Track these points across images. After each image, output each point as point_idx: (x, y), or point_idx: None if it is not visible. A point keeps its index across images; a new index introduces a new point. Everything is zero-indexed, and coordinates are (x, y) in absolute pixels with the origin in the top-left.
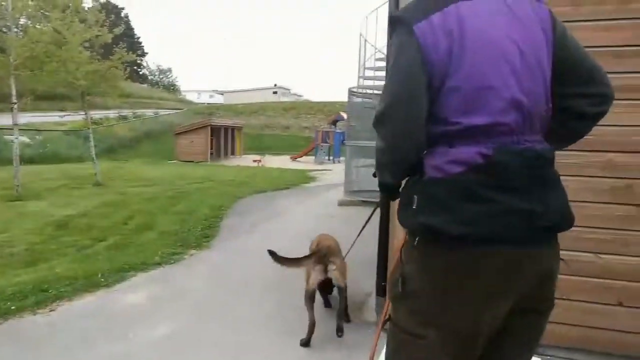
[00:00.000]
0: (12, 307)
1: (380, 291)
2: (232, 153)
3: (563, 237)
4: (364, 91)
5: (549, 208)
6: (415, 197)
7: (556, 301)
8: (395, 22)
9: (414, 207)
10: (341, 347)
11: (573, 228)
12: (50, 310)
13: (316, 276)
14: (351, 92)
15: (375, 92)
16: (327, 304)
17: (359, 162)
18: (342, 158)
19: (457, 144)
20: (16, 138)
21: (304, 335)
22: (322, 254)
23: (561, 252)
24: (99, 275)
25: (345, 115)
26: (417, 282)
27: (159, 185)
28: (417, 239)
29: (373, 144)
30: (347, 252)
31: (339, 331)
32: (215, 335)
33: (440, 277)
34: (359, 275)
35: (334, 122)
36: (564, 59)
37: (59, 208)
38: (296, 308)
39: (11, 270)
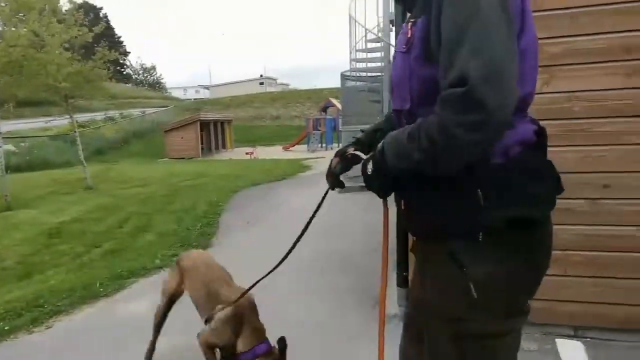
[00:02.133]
0: (6, 328)
1: (401, 282)
2: (223, 147)
3: (608, 213)
4: (357, 74)
5: None
6: (479, 190)
7: (598, 280)
8: None
9: (481, 203)
10: (370, 343)
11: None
12: (47, 328)
13: None
14: (344, 77)
15: (369, 74)
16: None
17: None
18: (334, 144)
19: (516, 120)
20: (0, 146)
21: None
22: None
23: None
24: (97, 285)
25: (334, 101)
26: (494, 279)
27: (152, 185)
28: (481, 235)
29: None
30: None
31: None
32: None
33: (520, 262)
34: (371, 265)
35: (324, 109)
36: None
37: (51, 215)
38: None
39: (2, 287)
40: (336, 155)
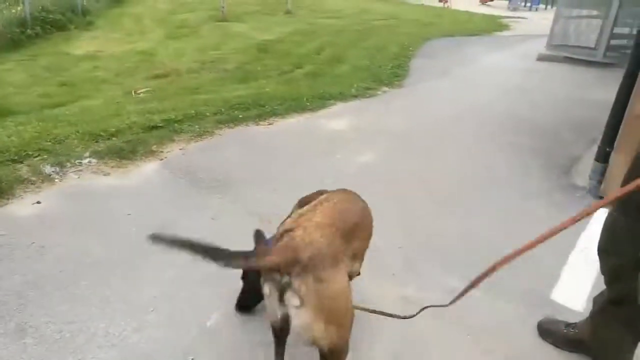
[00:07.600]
0: (240, 116)
1: (601, 157)
2: None
3: None
4: None
5: None
6: None
7: None
8: None
9: None
10: (549, 205)
11: None
12: (269, 124)
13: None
14: None
15: None
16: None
17: (572, 12)
18: (541, 6)
19: None
20: None
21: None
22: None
23: None
24: (304, 99)
25: None
26: None
27: (345, 19)
28: None
29: None
30: None
31: None
32: (414, 167)
33: None
34: (565, 135)
35: None
36: None
37: (258, 32)
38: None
39: (229, 84)
40: None
